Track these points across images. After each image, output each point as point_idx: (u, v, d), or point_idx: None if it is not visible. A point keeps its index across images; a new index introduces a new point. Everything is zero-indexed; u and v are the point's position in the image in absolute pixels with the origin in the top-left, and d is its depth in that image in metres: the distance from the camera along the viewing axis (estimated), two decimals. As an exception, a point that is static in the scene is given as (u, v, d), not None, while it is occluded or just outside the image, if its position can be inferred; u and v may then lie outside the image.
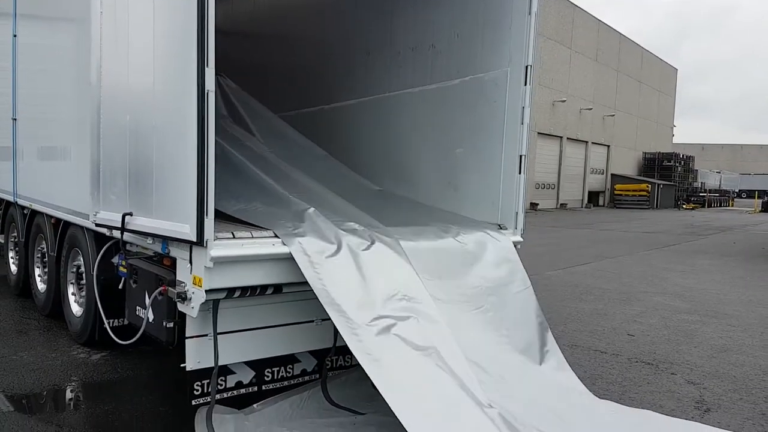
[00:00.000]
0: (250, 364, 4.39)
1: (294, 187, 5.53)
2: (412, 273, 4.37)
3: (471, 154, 5.68)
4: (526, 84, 5.16)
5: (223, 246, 3.80)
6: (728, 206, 52.92)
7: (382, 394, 3.47)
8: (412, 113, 6.30)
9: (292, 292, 4.18)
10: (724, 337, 7.13)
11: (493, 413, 3.64)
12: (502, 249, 5.04)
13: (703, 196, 50.87)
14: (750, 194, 58.10)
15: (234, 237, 3.96)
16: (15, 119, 7.15)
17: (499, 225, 5.33)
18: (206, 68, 3.43)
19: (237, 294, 3.98)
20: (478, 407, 3.66)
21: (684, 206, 46.25)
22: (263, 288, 4.09)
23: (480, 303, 4.61)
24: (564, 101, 37.52)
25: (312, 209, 4.56)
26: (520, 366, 4.43)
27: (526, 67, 5.12)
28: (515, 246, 5.18)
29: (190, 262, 3.85)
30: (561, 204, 38.87)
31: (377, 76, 6.79)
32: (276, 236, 4.09)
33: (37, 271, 7.25)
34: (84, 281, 5.86)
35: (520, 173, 5.25)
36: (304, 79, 7.93)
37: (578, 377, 5.39)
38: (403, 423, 3.33)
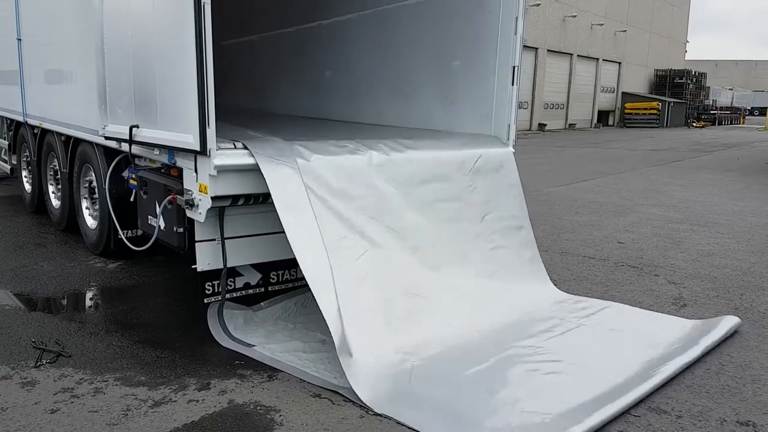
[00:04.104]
0: (256, 266, 4.69)
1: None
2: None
3: (466, 67, 5.80)
4: (520, -8, 5.21)
5: (225, 155, 4.04)
6: (739, 124, 52.28)
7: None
8: (409, 26, 6.37)
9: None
10: (711, 243, 7.41)
11: None
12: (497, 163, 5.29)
13: (714, 114, 50.19)
14: (762, 111, 57.13)
15: (235, 147, 4.18)
16: (20, 39, 7.26)
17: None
18: (202, -19, 3.55)
19: (241, 201, 4.25)
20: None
21: (694, 124, 45.78)
22: (265, 196, 4.34)
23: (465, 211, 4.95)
24: (575, 16, 36.55)
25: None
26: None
27: (520, -26, 5.17)
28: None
29: (196, 171, 4.09)
30: (570, 124, 38.57)
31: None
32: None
33: (51, 188, 7.55)
34: (97, 195, 6.15)
35: (513, 85, 5.38)
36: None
37: (564, 278, 5.75)
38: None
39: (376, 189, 4.50)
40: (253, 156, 4.13)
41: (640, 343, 4.22)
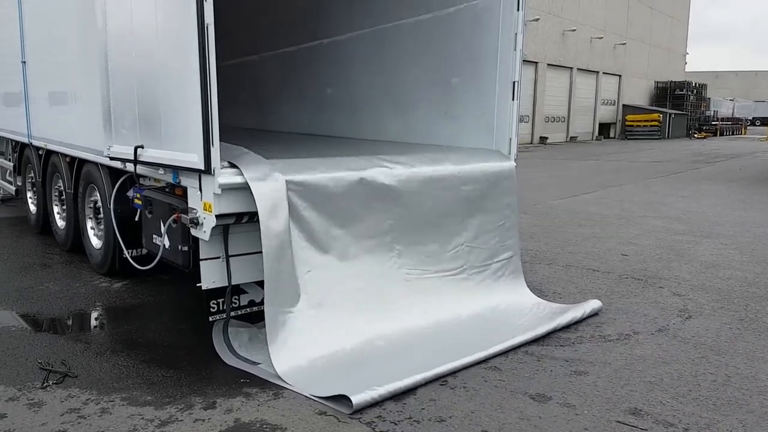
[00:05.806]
0: (261, 284, 4.69)
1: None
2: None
3: (466, 83, 5.85)
4: (518, 9, 5.28)
5: (229, 174, 4.08)
6: (741, 134, 52.30)
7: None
8: (409, 44, 6.44)
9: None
10: (715, 254, 7.41)
11: None
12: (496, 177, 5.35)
13: (715, 125, 50.25)
14: (764, 122, 57.24)
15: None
16: (24, 62, 7.34)
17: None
18: (205, 2, 3.61)
19: (245, 219, 4.28)
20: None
21: (695, 135, 45.79)
22: (269, 213, 4.36)
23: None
24: (574, 30, 36.76)
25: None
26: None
27: (518, -9, 5.24)
28: (508, 171, 5.43)
29: (200, 190, 4.12)
30: (571, 137, 38.64)
31: (373, 8, 6.89)
32: None
33: (56, 209, 7.59)
34: (101, 215, 6.19)
35: (513, 100, 5.43)
36: (302, 14, 8.01)
37: (569, 291, 5.75)
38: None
39: (367, 202, 4.63)
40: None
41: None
